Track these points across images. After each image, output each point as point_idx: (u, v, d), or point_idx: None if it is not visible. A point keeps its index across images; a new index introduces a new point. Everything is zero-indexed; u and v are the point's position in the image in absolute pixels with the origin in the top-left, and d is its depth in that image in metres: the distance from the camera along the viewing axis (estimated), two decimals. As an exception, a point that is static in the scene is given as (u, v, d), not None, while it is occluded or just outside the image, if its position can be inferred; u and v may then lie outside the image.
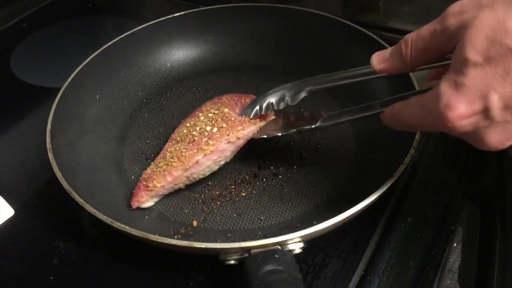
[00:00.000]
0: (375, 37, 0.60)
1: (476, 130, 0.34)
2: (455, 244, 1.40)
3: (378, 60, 0.42)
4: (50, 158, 0.49)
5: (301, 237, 0.41)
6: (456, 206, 0.54)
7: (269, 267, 0.38)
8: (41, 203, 0.55)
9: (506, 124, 0.33)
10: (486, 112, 0.32)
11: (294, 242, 0.41)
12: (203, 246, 0.41)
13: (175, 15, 0.69)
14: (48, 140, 0.51)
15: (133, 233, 0.43)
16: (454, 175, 0.55)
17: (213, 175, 0.55)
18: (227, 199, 0.53)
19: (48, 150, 0.50)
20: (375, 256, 0.47)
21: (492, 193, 0.64)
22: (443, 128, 0.34)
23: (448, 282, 1.41)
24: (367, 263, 0.46)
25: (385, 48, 0.59)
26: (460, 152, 0.58)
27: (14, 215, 0.53)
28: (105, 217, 0.44)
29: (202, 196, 0.53)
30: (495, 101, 0.31)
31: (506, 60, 0.30)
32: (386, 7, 0.78)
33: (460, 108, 0.32)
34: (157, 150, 0.59)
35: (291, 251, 0.41)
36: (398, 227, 0.49)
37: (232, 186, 0.54)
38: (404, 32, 0.71)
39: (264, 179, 0.54)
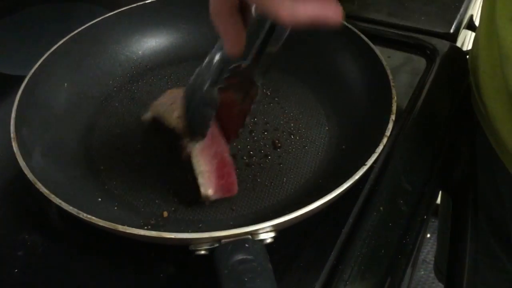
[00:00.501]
0: (350, 26, 0.60)
1: None
2: (428, 235, 1.42)
3: None
4: (14, 148, 0.47)
5: (272, 226, 0.41)
6: (428, 196, 0.54)
7: (239, 257, 0.37)
8: (6, 196, 0.53)
9: None
10: None
11: (265, 231, 0.41)
12: (173, 236, 0.40)
13: (147, 1, 0.67)
14: (12, 129, 0.49)
15: (100, 223, 0.41)
16: (427, 164, 0.56)
17: (185, 164, 0.54)
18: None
19: (12, 139, 0.48)
20: (347, 246, 0.47)
21: (464, 182, 0.65)
22: None
23: (422, 272, 1.43)
24: (339, 253, 0.46)
25: (358, 37, 0.59)
26: (433, 141, 0.58)
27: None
28: (71, 207, 0.42)
29: (174, 186, 0.52)
30: None
31: None
32: (361, -2, 0.78)
33: None
34: (128, 140, 0.57)
35: (261, 240, 0.40)
36: (370, 216, 0.49)
37: (204, 176, 0.53)
38: (379, 22, 0.72)
39: (237, 169, 0.53)
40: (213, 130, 0.49)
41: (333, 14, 0.30)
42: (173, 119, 0.51)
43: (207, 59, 0.42)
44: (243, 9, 0.30)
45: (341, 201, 0.45)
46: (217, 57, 0.42)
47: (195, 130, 0.48)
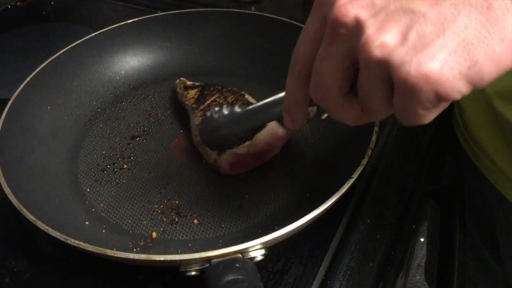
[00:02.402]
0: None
1: (355, 19, 0.28)
2: (422, 239, 1.43)
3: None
4: (-2, 174, 0.47)
5: (262, 243, 0.41)
6: (415, 206, 0.55)
7: (230, 277, 0.37)
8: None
9: (388, 14, 0.28)
10: None
11: (255, 249, 0.41)
12: (162, 258, 0.40)
13: (128, 21, 0.68)
14: (-4, 153, 0.49)
15: (89, 249, 0.41)
16: (413, 174, 0.56)
17: (172, 184, 0.54)
18: (187, 208, 0.52)
19: (-5, 165, 0.48)
20: (335, 260, 0.47)
21: (451, 191, 0.65)
22: (329, 21, 0.29)
23: (418, 277, 1.43)
24: (327, 268, 0.46)
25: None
26: (419, 151, 0.59)
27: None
28: (58, 233, 0.42)
29: (161, 206, 0.52)
30: None
31: None
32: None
33: None
34: (113, 161, 0.57)
35: (252, 258, 0.41)
36: (357, 229, 0.49)
37: (192, 195, 0.53)
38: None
39: (224, 186, 0.54)
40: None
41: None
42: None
43: (261, 105, 0.44)
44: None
45: (328, 215, 0.45)
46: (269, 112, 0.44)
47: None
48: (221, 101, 0.57)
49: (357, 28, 0.28)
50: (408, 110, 0.28)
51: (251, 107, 0.45)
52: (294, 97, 0.35)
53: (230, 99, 0.57)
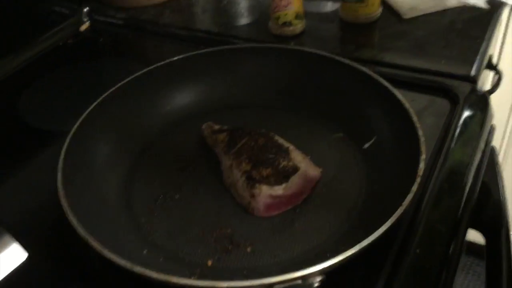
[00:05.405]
0: (369, 72, 0.63)
1: None
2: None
3: None
4: (64, 207, 0.49)
5: (320, 270, 0.42)
6: (461, 236, 0.55)
7: (296, 302, 0.38)
8: (53, 245, 0.55)
9: None
10: None
11: (315, 275, 0.42)
12: (226, 285, 0.41)
13: (173, 59, 0.71)
14: (59, 186, 0.52)
15: (154, 276, 0.43)
16: (458, 205, 0.56)
17: (223, 213, 0.56)
18: (239, 236, 0.53)
19: (60, 197, 0.50)
20: (386, 290, 0.48)
21: (496, 220, 0.65)
22: None
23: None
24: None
25: (379, 82, 0.62)
26: (464, 183, 0.59)
27: (27, 258, 0.53)
28: (123, 261, 0.44)
29: (214, 235, 0.54)
30: None
31: None
32: (382, 43, 0.81)
33: None
34: (165, 191, 0.59)
35: (311, 285, 0.42)
36: (407, 259, 0.50)
37: (243, 224, 0.55)
38: (400, 66, 0.74)
39: (274, 215, 0.55)
40: None
41: None
42: None
43: None
44: None
45: (377, 244, 0.46)
46: None
47: None
48: (252, 144, 0.58)
49: None
50: None
51: None
52: None
53: (260, 142, 0.58)
